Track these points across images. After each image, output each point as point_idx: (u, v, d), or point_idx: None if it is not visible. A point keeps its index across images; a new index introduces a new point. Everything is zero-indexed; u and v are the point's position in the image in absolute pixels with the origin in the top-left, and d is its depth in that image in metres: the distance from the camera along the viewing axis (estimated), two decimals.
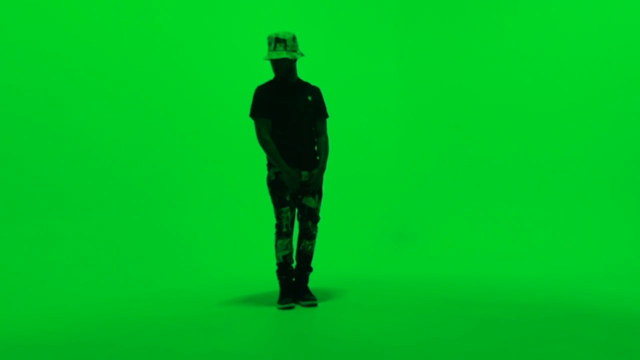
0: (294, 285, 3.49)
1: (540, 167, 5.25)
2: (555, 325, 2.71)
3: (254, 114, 3.42)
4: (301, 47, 4.91)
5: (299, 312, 3.22)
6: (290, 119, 3.40)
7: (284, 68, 3.41)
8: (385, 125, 6.54)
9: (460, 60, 6.03)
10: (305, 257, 3.50)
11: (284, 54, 3.35)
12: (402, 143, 6.56)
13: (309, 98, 3.49)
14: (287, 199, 3.38)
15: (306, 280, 3.53)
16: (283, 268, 3.43)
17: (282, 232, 3.38)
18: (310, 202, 3.47)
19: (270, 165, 3.43)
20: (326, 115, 3.59)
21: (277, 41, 3.38)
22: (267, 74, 4.13)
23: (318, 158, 3.53)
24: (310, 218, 3.48)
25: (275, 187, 3.38)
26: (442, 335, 2.59)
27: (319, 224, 3.60)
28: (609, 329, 2.62)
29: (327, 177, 4.01)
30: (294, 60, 3.43)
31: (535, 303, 3.26)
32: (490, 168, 5.65)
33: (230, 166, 5.33)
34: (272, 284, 3.88)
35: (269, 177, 3.43)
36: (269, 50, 3.40)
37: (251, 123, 3.61)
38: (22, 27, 4.31)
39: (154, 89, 4.97)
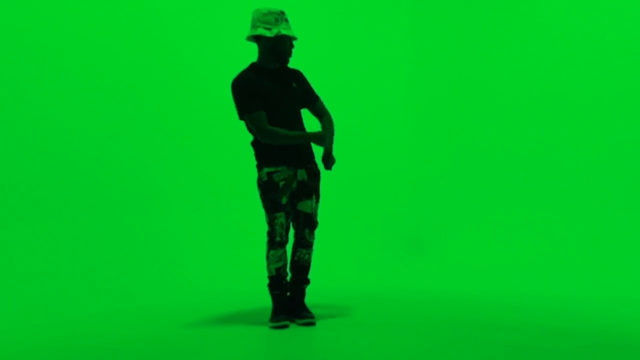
0: (289, 301, 3.28)
1: (572, 169, 5.05)
2: (596, 356, 2.43)
3: (247, 108, 3.09)
4: (306, 37, 4.74)
5: (294, 331, 3.06)
6: (278, 112, 3.15)
7: (263, 49, 3.18)
8: (395, 123, 6.46)
9: (478, 53, 5.91)
10: (302, 268, 3.28)
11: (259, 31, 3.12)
12: (413, 142, 6.45)
13: (294, 85, 3.25)
14: (283, 202, 3.13)
15: (303, 295, 3.31)
16: (276, 282, 3.21)
17: (275, 242, 3.14)
18: (306, 206, 3.23)
19: (260, 166, 3.18)
20: (318, 96, 3.39)
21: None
22: None
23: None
24: (308, 225, 3.25)
25: (267, 189, 3.12)
26: None
27: (317, 231, 3.37)
28: None
29: (329, 178, 3.89)
30: (272, 39, 3.13)
31: (571, 328, 3.01)
32: (512, 170, 5.50)
33: (218, 166, 5.27)
34: (264, 299, 3.66)
35: (260, 179, 3.17)
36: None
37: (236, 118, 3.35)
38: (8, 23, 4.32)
39: (136, 84, 4.93)
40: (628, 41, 4.66)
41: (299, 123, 3.25)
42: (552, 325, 3.09)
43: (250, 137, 3.27)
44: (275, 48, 3.12)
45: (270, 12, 3.08)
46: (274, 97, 3.13)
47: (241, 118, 3.15)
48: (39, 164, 4.42)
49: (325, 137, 3.09)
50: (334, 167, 3.36)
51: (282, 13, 3.12)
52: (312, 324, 3.14)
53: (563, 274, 4.57)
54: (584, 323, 3.13)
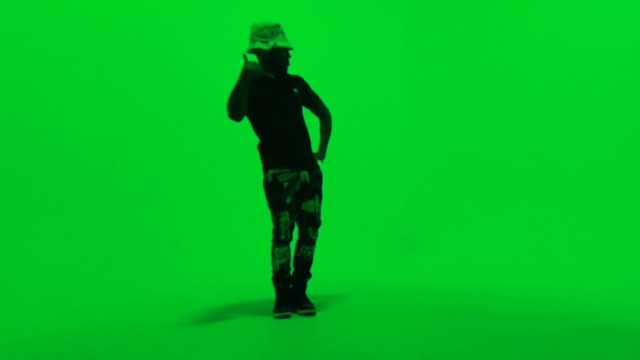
0: (291, 293, 3.34)
1: (557, 169, 5.10)
2: (574, 341, 2.53)
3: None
4: (305, 40, 4.81)
5: (296, 321, 3.10)
6: (279, 114, 3.24)
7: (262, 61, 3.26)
8: (391, 124, 6.47)
9: (471, 56, 5.93)
10: (304, 263, 3.35)
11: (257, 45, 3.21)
12: (408, 142, 6.48)
13: (295, 90, 3.33)
14: (288, 201, 3.20)
15: (304, 287, 3.38)
16: (280, 276, 3.28)
17: (280, 240, 3.20)
18: (309, 206, 3.30)
19: (266, 168, 3.25)
20: (319, 97, 3.48)
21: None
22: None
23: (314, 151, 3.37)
24: (311, 224, 3.32)
25: (273, 189, 3.20)
26: (448, 349, 2.42)
27: (319, 229, 3.44)
28: (636, 347, 2.42)
29: (328, 177, 3.94)
30: (269, 51, 3.23)
31: (552, 316, 3.09)
32: (501, 170, 5.54)
33: (224, 165, 5.25)
34: (268, 291, 3.76)
35: (265, 180, 3.24)
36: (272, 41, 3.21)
37: (244, 120, 3.44)
38: (11, 22, 4.27)
39: (144, 86, 4.91)
40: (619, 45, 4.68)
41: (299, 124, 3.31)
42: (534, 313, 3.16)
43: (257, 140, 3.34)
44: (272, 59, 3.22)
45: (266, 27, 3.17)
46: (275, 102, 3.22)
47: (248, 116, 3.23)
48: (63, 166, 4.43)
49: (255, 66, 3.02)
50: (325, 160, 3.36)
51: (278, 26, 3.20)
52: (313, 314, 3.21)
53: (545, 267, 4.60)
54: (563, 311, 3.20)
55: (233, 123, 4.09)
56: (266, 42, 3.17)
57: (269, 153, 3.25)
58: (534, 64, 5.33)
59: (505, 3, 5.65)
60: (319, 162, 3.38)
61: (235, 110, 3.08)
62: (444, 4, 6.25)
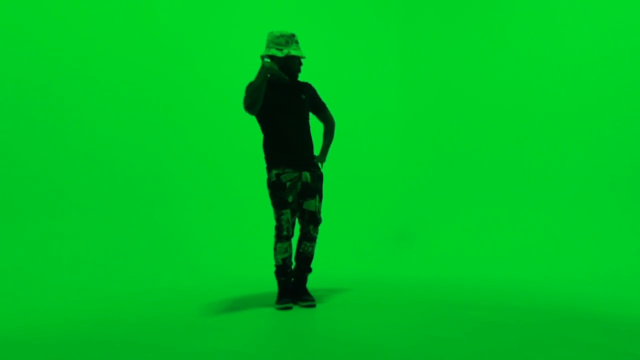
0: (293, 286, 3.46)
1: (541, 170, 5.22)
2: (553, 329, 2.68)
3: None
4: (302, 47, 4.88)
5: (297, 312, 3.20)
6: (287, 118, 3.35)
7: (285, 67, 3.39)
8: (386, 126, 6.53)
9: (463, 61, 6.00)
10: (305, 258, 3.47)
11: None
12: (403, 144, 6.54)
13: (303, 97, 3.44)
14: (289, 200, 3.31)
15: (305, 281, 3.50)
16: (282, 270, 3.40)
17: (282, 236, 3.32)
18: (311, 205, 3.41)
19: (270, 168, 3.37)
20: (325, 105, 3.58)
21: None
22: None
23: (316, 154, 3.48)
24: (312, 222, 3.43)
25: (276, 188, 3.31)
26: (439, 337, 2.57)
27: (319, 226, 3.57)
28: (608, 333, 2.59)
29: (327, 176, 4.05)
30: (282, 58, 3.37)
31: (533, 306, 3.23)
32: (490, 170, 5.63)
33: (231, 164, 5.31)
34: (271, 284, 3.88)
35: (269, 179, 3.36)
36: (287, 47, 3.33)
37: (250, 121, 3.56)
38: (21, 23, 4.31)
39: (153, 86, 4.95)
40: (611, 48, 4.74)
41: (304, 129, 3.41)
42: (516, 303, 3.29)
43: (262, 141, 3.44)
44: (285, 66, 3.34)
45: (282, 35, 3.30)
46: (284, 106, 3.33)
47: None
48: (83, 166, 4.51)
49: (272, 65, 3.17)
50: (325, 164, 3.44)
51: (293, 36, 3.33)
52: (313, 306, 3.32)
53: (527, 260, 4.74)
54: (544, 301, 3.33)
55: (241, 124, 4.13)
56: (281, 50, 3.30)
57: (273, 154, 3.35)
58: (522, 70, 5.40)
59: (497, 10, 5.69)
60: (319, 164, 3.51)
61: (251, 103, 3.22)
62: (438, 10, 6.29)
